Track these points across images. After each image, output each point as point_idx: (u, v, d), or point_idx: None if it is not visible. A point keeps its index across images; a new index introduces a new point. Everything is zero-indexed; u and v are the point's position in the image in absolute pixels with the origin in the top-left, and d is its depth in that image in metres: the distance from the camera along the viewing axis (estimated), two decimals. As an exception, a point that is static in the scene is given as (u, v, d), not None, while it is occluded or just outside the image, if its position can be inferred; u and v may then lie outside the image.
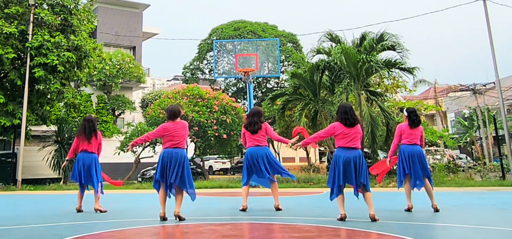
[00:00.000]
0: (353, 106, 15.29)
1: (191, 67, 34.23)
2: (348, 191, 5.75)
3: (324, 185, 14.29)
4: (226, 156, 31.67)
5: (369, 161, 16.37)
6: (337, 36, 15.76)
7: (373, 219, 5.22)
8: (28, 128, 16.94)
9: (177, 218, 5.57)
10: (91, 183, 6.98)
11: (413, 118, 6.47)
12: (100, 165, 7.17)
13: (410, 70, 14.40)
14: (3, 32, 14.51)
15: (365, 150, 16.45)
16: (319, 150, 34.90)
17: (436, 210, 6.13)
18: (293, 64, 31.43)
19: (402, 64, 14.48)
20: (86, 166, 6.94)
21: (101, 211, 6.82)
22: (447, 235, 4.72)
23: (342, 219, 5.35)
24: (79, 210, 6.94)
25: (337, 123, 5.67)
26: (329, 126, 5.89)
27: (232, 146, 21.51)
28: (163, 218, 5.55)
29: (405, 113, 6.65)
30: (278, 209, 6.58)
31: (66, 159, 7.67)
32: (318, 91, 15.70)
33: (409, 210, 6.32)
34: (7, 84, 16.03)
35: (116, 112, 28.52)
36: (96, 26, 21.79)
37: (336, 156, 5.60)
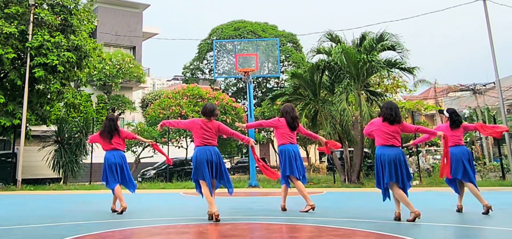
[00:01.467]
0: (353, 107, 15.34)
1: (191, 67, 34.24)
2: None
3: (324, 185, 14.31)
4: (227, 156, 31.71)
5: (369, 161, 16.38)
6: (337, 36, 15.76)
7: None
8: (28, 128, 16.94)
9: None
10: (124, 183, 6.78)
11: (455, 118, 6.23)
12: (126, 161, 6.93)
13: (410, 70, 14.39)
14: (3, 32, 14.51)
15: (365, 150, 16.45)
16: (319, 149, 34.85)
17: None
18: (293, 64, 31.43)
19: (402, 64, 14.47)
20: (119, 165, 6.69)
21: (116, 211, 6.69)
22: (447, 235, 4.72)
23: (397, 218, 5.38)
24: (114, 210, 6.77)
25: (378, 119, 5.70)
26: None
27: (232, 146, 21.51)
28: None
29: (446, 114, 6.35)
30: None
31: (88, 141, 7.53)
32: (318, 91, 15.70)
33: (459, 210, 6.26)
34: (7, 84, 16.03)
35: (116, 112, 28.52)
36: (96, 26, 21.80)
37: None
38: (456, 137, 6.19)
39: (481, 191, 6.30)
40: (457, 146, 6.16)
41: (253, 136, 16.21)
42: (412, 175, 6.40)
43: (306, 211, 6.34)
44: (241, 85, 32.54)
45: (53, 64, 14.81)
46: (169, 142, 17.77)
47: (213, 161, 5.68)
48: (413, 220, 5.23)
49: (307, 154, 27.86)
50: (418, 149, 16.89)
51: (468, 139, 34.87)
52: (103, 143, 6.86)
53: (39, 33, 15.21)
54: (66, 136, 17.17)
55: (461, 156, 6.07)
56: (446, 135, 5.85)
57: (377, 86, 18.37)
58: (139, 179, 19.06)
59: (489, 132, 6.47)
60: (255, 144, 6.13)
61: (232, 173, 30.32)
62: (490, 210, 5.95)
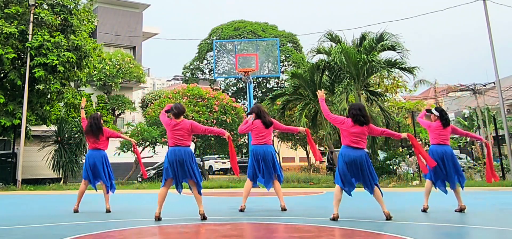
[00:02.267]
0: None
1: (191, 67, 34.23)
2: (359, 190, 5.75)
3: (324, 185, 14.29)
4: (226, 156, 31.70)
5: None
6: (337, 36, 15.77)
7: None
8: (28, 128, 16.94)
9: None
10: (100, 180, 6.96)
11: (446, 117, 6.32)
12: (109, 162, 7.12)
13: (410, 70, 14.40)
14: (3, 32, 14.51)
15: (365, 150, 16.44)
16: (319, 149, 34.88)
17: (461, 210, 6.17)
18: (293, 64, 31.42)
19: (402, 64, 14.48)
20: (95, 164, 6.89)
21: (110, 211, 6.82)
22: (447, 235, 4.72)
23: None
24: (76, 211, 6.88)
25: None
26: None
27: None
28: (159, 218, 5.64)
29: (436, 113, 6.42)
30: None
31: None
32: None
33: (461, 210, 6.18)
34: (7, 84, 16.03)
35: (116, 112, 28.52)
36: (96, 26, 21.80)
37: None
38: (444, 136, 6.28)
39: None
40: (442, 145, 6.24)
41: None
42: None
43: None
44: (241, 85, 32.54)
45: (53, 64, 14.81)
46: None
47: (184, 161, 5.68)
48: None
49: (307, 154, 27.83)
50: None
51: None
52: (88, 141, 7.10)
53: (39, 33, 15.20)
54: (66, 136, 17.16)
55: (443, 155, 6.15)
56: (412, 136, 5.97)
57: (377, 86, 18.38)
58: (139, 179, 19.05)
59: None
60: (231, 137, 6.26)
61: (231, 173, 30.33)
62: (463, 211, 6.14)
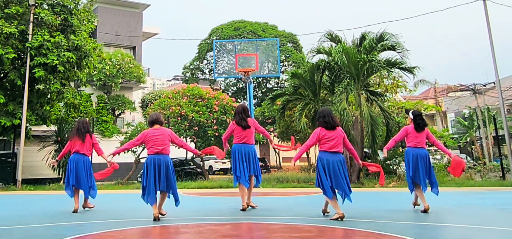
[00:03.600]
0: (353, 107, 15.33)
1: (191, 67, 34.24)
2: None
3: (324, 185, 14.26)
4: (226, 156, 31.69)
5: (369, 160, 16.38)
6: (337, 36, 15.76)
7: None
8: (28, 128, 16.94)
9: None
10: (80, 185, 7.03)
11: (419, 122, 6.40)
12: (91, 167, 7.23)
13: (410, 70, 14.39)
14: (3, 32, 14.50)
15: (365, 150, 16.43)
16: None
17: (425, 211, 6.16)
18: (293, 64, 31.43)
19: (402, 64, 14.47)
20: (78, 169, 6.99)
21: (89, 208, 7.06)
22: (447, 235, 4.72)
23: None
24: (76, 211, 6.89)
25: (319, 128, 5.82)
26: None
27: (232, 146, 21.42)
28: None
29: (411, 116, 6.53)
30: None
31: (56, 159, 7.89)
32: (318, 91, 15.70)
33: (425, 211, 6.19)
34: (7, 84, 16.03)
35: (116, 112, 28.51)
36: (96, 26, 21.79)
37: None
38: (419, 139, 6.39)
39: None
40: (417, 147, 6.36)
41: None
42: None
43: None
44: (241, 85, 32.54)
45: (53, 64, 14.80)
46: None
47: (161, 170, 5.75)
48: (336, 219, 5.41)
49: (307, 154, 27.81)
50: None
51: (468, 139, 34.91)
52: (74, 145, 7.14)
53: (39, 33, 15.20)
54: (66, 135, 17.16)
55: (417, 157, 6.27)
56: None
57: (377, 86, 18.36)
58: (139, 179, 19.06)
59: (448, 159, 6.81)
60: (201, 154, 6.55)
61: (231, 173, 30.30)
62: (427, 211, 6.17)
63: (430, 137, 6.59)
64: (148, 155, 5.88)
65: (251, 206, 6.76)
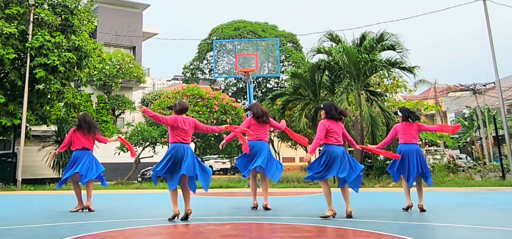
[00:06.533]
0: (353, 107, 15.34)
1: (191, 67, 34.23)
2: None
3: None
4: (226, 156, 31.71)
5: (369, 160, 16.38)
6: (337, 36, 15.77)
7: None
8: (28, 128, 16.93)
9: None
10: (86, 176, 6.83)
11: (408, 115, 6.41)
12: (97, 160, 7.14)
13: (410, 70, 14.40)
14: (4, 32, 14.50)
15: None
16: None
17: (422, 210, 6.15)
18: (293, 64, 31.43)
19: (402, 64, 14.48)
20: (86, 163, 6.87)
21: (90, 210, 6.82)
22: (447, 235, 4.72)
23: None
24: (83, 208, 6.89)
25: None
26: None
27: (232, 146, 21.49)
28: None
29: (400, 113, 6.55)
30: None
31: (57, 150, 7.87)
32: (318, 91, 15.70)
33: (408, 208, 6.31)
34: (7, 84, 16.02)
35: (116, 112, 28.53)
36: (96, 26, 21.79)
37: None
38: (410, 135, 6.37)
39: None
40: (407, 143, 6.33)
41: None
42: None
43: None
44: (241, 85, 32.54)
45: (54, 64, 14.79)
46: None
47: (187, 155, 5.66)
48: (326, 218, 5.49)
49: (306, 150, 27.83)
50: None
51: (468, 139, 34.91)
52: (76, 142, 7.07)
53: (39, 33, 15.18)
54: (66, 135, 17.17)
55: (408, 154, 6.25)
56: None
57: (377, 86, 18.37)
58: (139, 179, 19.06)
59: (439, 128, 7.02)
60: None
61: (232, 173, 30.32)
62: (410, 208, 6.25)
63: (423, 128, 6.62)
64: (172, 142, 5.72)
65: (267, 208, 6.61)
